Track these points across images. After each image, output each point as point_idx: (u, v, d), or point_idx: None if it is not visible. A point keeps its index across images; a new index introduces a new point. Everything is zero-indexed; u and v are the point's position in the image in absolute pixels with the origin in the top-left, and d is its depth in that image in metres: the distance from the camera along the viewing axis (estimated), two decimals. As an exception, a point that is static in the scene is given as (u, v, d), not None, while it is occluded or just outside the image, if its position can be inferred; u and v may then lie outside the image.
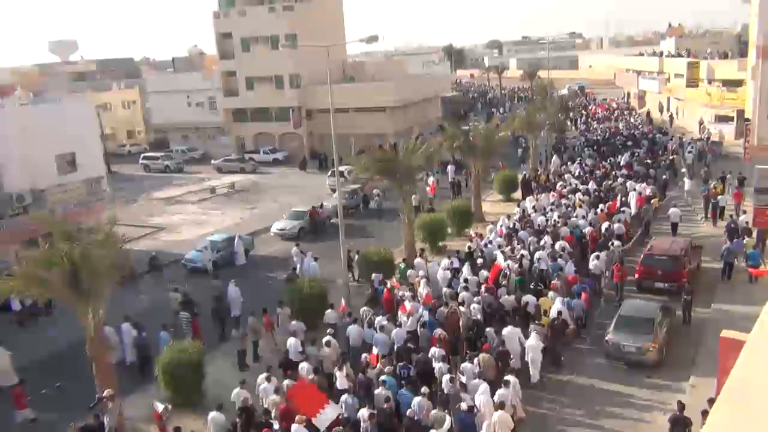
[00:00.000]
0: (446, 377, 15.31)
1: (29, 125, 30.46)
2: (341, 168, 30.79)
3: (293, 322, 19.55)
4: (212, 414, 14.81)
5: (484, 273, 22.01)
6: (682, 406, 13.34)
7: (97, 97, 62.79)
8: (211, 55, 70.08)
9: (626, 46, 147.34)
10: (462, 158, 38.21)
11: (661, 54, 70.73)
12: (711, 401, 3.09)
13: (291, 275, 24.78)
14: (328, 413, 13.71)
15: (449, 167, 41.11)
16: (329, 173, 41.23)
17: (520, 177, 38.28)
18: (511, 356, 16.86)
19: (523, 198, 34.36)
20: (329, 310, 20.49)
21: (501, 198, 37.77)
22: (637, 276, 22.40)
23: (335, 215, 28.36)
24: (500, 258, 23.23)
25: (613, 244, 24.41)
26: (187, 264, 29.03)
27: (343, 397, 14.87)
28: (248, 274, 27.55)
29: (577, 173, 38.13)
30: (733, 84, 48.76)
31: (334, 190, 34.49)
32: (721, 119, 51.29)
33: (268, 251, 31.60)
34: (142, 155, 59.85)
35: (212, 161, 55.90)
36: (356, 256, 25.69)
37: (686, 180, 34.31)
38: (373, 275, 23.35)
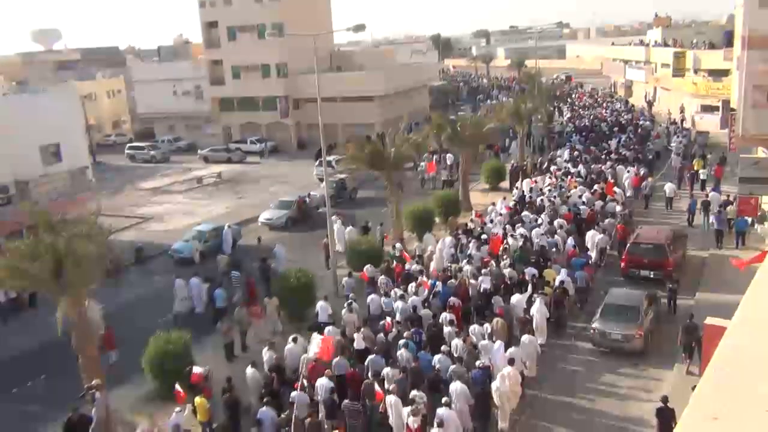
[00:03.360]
0: (457, 340, 16.22)
1: (12, 115, 30.06)
2: (329, 158, 30.66)
3: (345, 279, 21.77)
4: (249, 370, 15.96)
5: (486, 249, 23.17)
6: (665, 398, 13.45)
7: (82, 87, 62.02)
8: (197, 44, 69.40)
9: (613, 36, 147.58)
10: (449, 147, 38.15)
11: (648, 44, 70.88)
12: (694, 388, 3.12)
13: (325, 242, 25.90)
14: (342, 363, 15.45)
15: (448, 155, 40.95)
16: (317, 163, 40.97)
17: (508, 167, 38.59)
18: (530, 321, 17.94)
19: (511, 187, 34.76)
20: (347, 278, 22.09)
21: (489, 187, 37.87)
22: (622, 265, 22.58)
23: (323, 204, 28.29)
24: (500, 232, 24.45)
25: (607, 220, 25.99)
26: (174, 254, 28.83)
27: (370, 356, 15.93)
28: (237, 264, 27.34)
29: (567, 157, 38.89)
30: (719, 74, 48.91)
31: (321, 180, 34.34)
32: (707, 109, 51.62)
33: (255, 241, 31.34)
34: (127, 145, 59.24)
35: (199, 151, 55.49)
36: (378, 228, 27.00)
37: (673, 156, 37.34)
38: (397, 245, 24.94)
